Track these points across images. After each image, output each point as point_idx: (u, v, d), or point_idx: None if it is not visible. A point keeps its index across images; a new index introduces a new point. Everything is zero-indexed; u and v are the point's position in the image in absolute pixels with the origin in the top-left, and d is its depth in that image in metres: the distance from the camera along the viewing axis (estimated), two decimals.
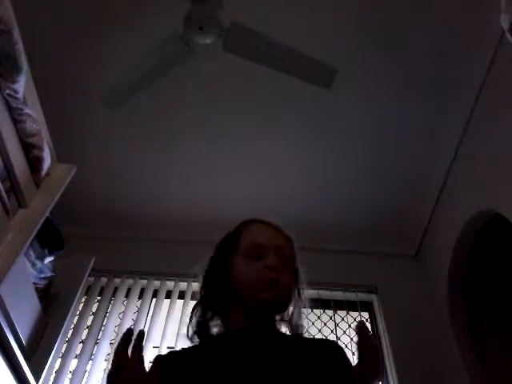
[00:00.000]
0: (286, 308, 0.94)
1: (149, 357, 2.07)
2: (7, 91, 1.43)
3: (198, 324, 0.95)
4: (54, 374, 2.26)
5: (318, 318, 2.73)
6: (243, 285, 0.91)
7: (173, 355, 0.88)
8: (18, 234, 1.47)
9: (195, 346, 0.93)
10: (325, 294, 2.76)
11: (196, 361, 0.83)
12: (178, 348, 0.93)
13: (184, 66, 2.05)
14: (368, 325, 2.78)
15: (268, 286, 0.88)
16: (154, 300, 2.71)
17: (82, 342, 2.46)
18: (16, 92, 1.46)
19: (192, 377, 0.79)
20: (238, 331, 0.89)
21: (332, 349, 0.89)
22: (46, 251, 1.90)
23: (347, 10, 2.18)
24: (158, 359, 0.80)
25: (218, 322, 0.94)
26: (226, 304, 0.93)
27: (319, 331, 2.64)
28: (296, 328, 0.96)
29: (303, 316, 0.99)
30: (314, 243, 2.40)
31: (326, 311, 2.77)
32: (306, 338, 0.97)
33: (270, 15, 2.16)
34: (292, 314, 0.96)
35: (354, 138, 2.68)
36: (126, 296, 2.72)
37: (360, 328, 0.81)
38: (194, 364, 0.82)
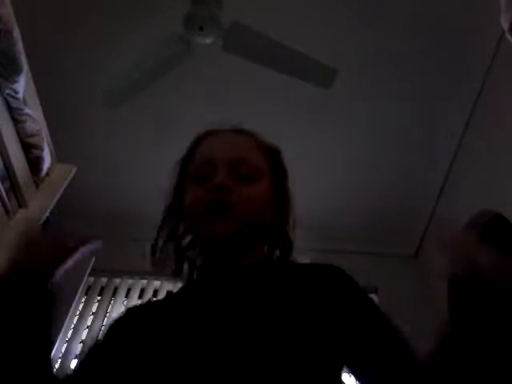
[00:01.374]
0: (254, 233, 0.70)
1: None
2: (7, 91, 1.43)
3: (172, 241, 0.77)
4: None
5: None
6: (191, 214, 0.72)
7: (130, 311, 0.72)
8: (18, 234, 1.47)
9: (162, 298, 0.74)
10: None
11: (158, 309, 0.68)
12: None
13: (184, 65, 2.05)
14: None
15: (214, 211, 0.67)
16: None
17: (82, 342, 2.46)
18: (16, 92, 1.46)
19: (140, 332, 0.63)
20: (208, 272, 0.71)
21: (330, 275, 0.67)
22: None
23: (347, 9, 2.18)
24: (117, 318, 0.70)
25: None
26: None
27: None
28: (285, 252, 0.75)
29: (295, 236, 0.77)
30: (314, 243, 2.39)
31: None
32: (300, 264, 0.74)
33: (270, 15, 2.16)
34: (280, 234, 0.75)
35: (353, 138, 2.67)
36: (126, 296, 2.72)
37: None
38: (155, 312, 0.67)
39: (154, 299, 0.77)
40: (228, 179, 0.69)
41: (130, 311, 0.72)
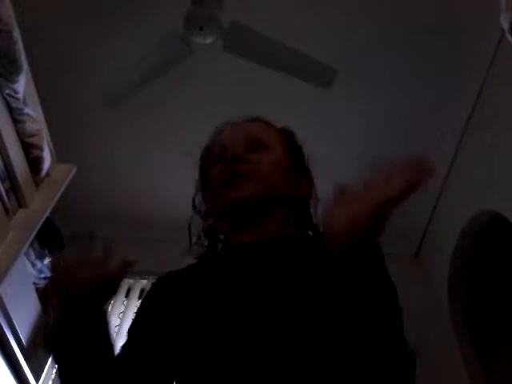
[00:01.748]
0: (272, 199, 0.73)
1: None
2: (7, 91, 1.43)
3: (205, 232, 0.82)
4: (53, 374, 2.25)
5: None
6: (209, 198, 0.78)
7: (169, 276, 0.77)
8: (18, 233, 1.47)
9: (193, 264, 0.79)
10: None
11: (188, 282, 0.71)
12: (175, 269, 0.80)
13: (184, 66, 2.05)
14: None
15: (227, 184, 0.71)
16: None
17: None
18: (16, 92, 1.46)
19: (182, 300, 0.68)
20: (234, 247, 0.74)
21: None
22: (46, 251, 1.90)
23: (347, 9, 2.18)
24: (156, 282, 0.74)
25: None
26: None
27: None
28: (309, 224, 0.76)
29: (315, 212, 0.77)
30: None
31: None
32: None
33: (270, 15, 2.16)
34: (296, 210, 0.76)
35: (353, 137, 2.67)
36: (126, 296, 2.72)
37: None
38: (187, 286, 0.70)
39: (186, 266, 0.78)
40: (239, 151, 0.74)
41: (168, 276, 0.76)
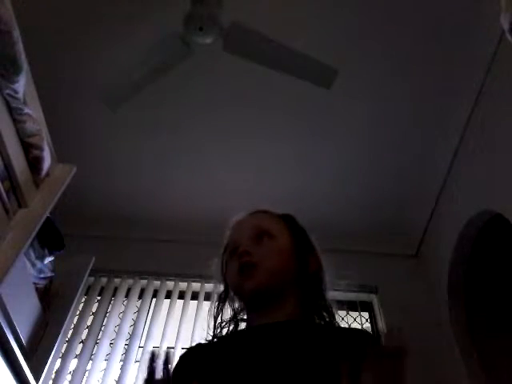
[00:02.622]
0: (281, 282, 0.83)
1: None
2: (7, 91, 1.43)
3: (233, 316, 0.91)
4: (53, 374, 2.26)
5: None
6: (232, 287, 0.89)
7: (200, 348, 0.84)
8: (18, 234, 1.47)
9: (214, 341, 0.87)
10: None
11: (218, 356, 0.78)
12: (202, 342, 0.88)
13: (184, 65, 2.05)
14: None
15: (244, 273, 0.82)
16: (154, 300, 2.71)
17: (82, 341, 2.46)
18: (16, 92, 1.46)
19: (210, 372, 0.75)
20: (253, 328, 0.84)
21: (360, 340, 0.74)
22: (46, 251, 1.90)
23: (347, 9, 2.18)
24: (187, 354, 0.81)
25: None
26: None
27: None
28: (319, 307, 0.86)
29: (325, 287, 0.88)
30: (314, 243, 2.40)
31: None
32: (332, 327, 0.84)
33: (270, 15, 2.16)
34: (307, 288, 0.86)
35: (354, 137, 2.68)
36: (126, 296, 2.72)
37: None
38: (216, 358, 0.78)
39: (206, 342, 0.88)
40: (249, 245, 0.86)
41: (193, 350, 0.84)
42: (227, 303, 0.93)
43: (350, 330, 0.83)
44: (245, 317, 0.91)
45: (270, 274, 0.83)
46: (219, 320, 0.91)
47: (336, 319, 0.87)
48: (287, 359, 0.71)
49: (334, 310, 0.88)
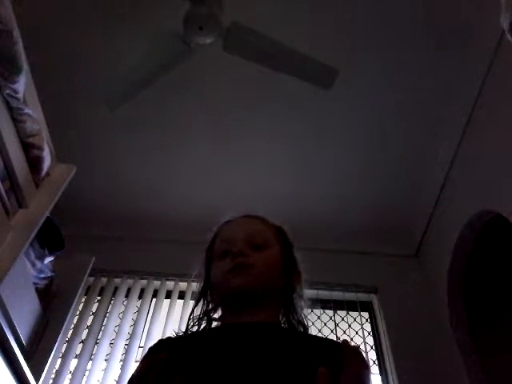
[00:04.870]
0: (269, 289, 0.86)
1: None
2: (7, 91, 1.43)
3: (203, 315, 0.92)
4: (54, 374, 2.26)
5: (318, 317, 2.73)
6: (216, 285, 0.88)
7: (171, 340, 0.84)
8: (18, 233, 1.47)
9: (188, 335, 0.89)
10: (325, 294, 2.76)
11: (195, 350, 0.78)
12: (172, 335, 0.90)
13: (184, 66, 2.05)
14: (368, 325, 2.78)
15: (235, 271, 0.83)
16: (154, 300, 2.72)
17: (82, 342, 2.46)
18: (16, 92, 1.46)
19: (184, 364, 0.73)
20: (228, 326, 0.85)
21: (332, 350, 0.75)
22: (46, 251, 1.90)
23: (347, 9, 2.18)
24: (159, 344, 0.81)
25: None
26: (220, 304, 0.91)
27: (319, 331, 2.64)
28: (296, 320, 0.89)
29: (303, 304, 0.92)
30: (313, 243, 2.40)
31: (326, 311, 2.77)
32: (309, 335, 0.86)
33: (270, 15, 2.16)
34: (288, 301, 0.90)
35: (354, 137, 2.68)
36: (126, 296, 2.72)
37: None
38: (193, 353, 0.77)
39: (177, 334, 0.90)
40: (244, 247, 0.87)
41: (161, 343, 0.84)
42: (203, 300, 0.94)
43: (326, 339, 0.84)
44: (216, 316, 0.92)
45: (261, 277, 0.85)
46: (193, 315, 0.92)
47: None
48: (264, 358, 0.71)
49: (308, 330, 0.91)
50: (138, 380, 0.73)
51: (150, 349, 0.83)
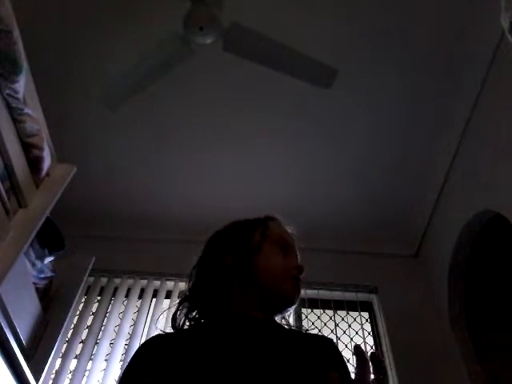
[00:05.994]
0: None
1: None
2: (7, 91, 1.43)
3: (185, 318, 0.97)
4: (53, 374, 2.26)
5: (318, 317, 2.73)
6: (271, 273, 0.92)
7: (161, 338, 0.85)
8: (18, 234, 1.47)
9: (187, 329, 0.93)
10: (325, 294, 2.76)
11: (195, 342, 0.80)
12: (167, 331, 0.91)
13: (184, 66, 2.05)
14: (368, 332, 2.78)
15: (295, 283, 0.92)
16: (154, 300, 2.71)
17: (82, 341, 2.46)
18: (16, 92, 1.46)
19: (185, 359, 0.76)
20: (240, 316, 0.88)
21: (325, 345, 0.86)
22: (46, 251, 1.89)
23: (347, 9, 2.18)
24: (147, 344, 0.82)
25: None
26: (232, 285, 0.92)
27: (319, 331, 2.64)
28: (290, 324, 0.99)
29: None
30: (314, 243, 2.39)
31: (326, 311, 2.77)
32: (303, 332, 0.98)
33: (270, 15, 2.16)
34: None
35: (354, 138, 2.68)
36: (126, 296, 2.72)
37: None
38: (190, 346, 0.79)
39: (170, 332, 0.91)
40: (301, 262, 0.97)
41: (157, 339, 0.84)
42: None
43: (316, 335, 0.93)
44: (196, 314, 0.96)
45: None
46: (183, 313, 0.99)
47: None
48: (275, 351, 0.78)
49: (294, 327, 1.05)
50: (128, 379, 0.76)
51: (142, 346, 0.84)
